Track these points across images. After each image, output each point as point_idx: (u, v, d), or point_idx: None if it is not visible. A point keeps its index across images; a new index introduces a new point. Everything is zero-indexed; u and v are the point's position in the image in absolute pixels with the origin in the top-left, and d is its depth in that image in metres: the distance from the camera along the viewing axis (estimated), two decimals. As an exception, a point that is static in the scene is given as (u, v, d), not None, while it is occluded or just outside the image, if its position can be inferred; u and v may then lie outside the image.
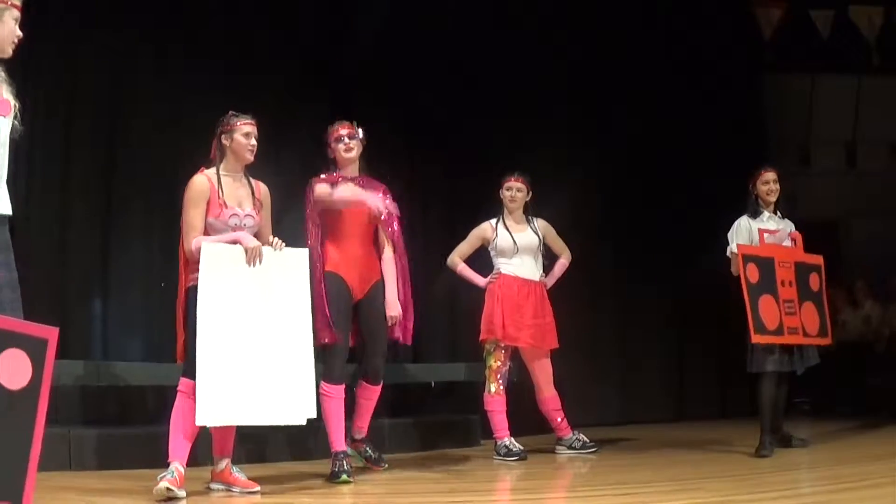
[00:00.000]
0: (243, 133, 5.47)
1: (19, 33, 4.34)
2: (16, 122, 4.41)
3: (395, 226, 6.25)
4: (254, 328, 5.21)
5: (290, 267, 5.43)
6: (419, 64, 9.09)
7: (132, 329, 7.83)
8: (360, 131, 6.19)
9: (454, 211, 8.97)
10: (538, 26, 9.54)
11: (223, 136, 5.49)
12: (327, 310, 5.88)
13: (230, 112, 5.51)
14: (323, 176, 6.14)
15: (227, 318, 5.16)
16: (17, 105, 4.42)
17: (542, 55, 9.56)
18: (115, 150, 7.82)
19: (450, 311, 9.02)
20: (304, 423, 5.37)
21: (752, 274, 6.82)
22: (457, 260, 7.29)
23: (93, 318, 7.72)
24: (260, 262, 5.31)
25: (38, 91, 7.17)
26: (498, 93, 9.30)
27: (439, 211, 9.12)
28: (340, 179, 6.13)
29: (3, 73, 4.38)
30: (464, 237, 7.47)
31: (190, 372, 5.16)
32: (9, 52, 4.34)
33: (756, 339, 6.65)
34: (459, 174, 9.10)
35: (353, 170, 6.18)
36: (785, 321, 6.83)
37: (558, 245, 7.41)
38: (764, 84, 11.24)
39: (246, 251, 5.29)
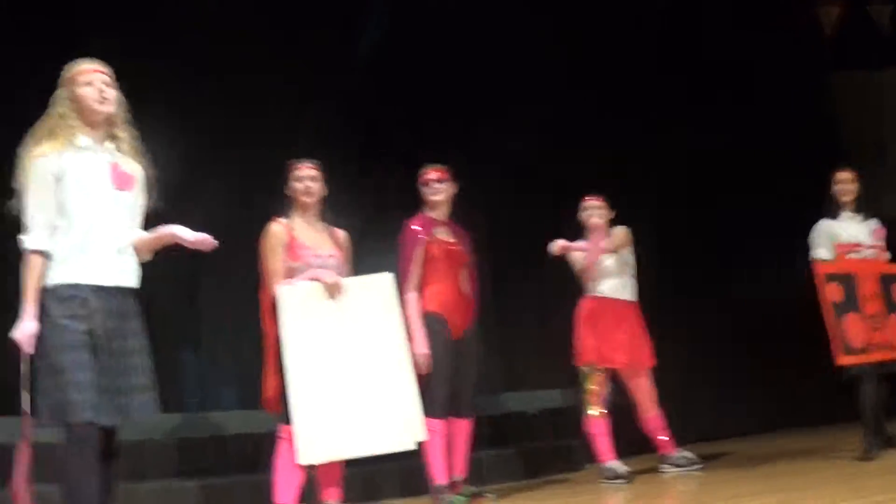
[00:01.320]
0: (297, 179, 5.67)
1: (102, 89, 4.46)
2: (151, 194, 4.59)
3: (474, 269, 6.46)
4: (346, 359, 5.27)
5: (376, 293, 5.47)
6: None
7: (226, 378, 7.98)
8: (448, 177, 6.38)
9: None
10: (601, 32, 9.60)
11: (286, 186, 5.71)
12: (427, 347, 6.04)
13: (288, 163, 5.71)
14: (419, 218, 6.35)
15: (317, 354, 5.23)
16: (146, 175, 4.59)
17: (605, 61, 9.59)
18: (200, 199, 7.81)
19: (540, 337, 8.96)
20: (413, 447, 5.41)
21: (835, 293, 6.83)
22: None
23: (185, 370, 7.89)
24: (342, 293, 5.40)
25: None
26: (551, 108, 9.27)
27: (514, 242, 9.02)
28: (435, 223, 6.35)
29: (128, 145, 4.55)
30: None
31: (287, 417, 5.26)
32: (96, 107, 4.46)
33: (842, 360, 6.68)
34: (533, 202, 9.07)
35: (444, 213, 6.39)
36: (872, 337, 6.83)
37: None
38: (830, 83, 11.24)
39: (325, 285, 5.38)
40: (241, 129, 7.93)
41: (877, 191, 8.75)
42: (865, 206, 7.27)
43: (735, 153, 10.01)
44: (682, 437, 7.57)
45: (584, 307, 7.32)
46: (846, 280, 6.83)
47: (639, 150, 9.49)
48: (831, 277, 6.78)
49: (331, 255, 5.56)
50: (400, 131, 8.70)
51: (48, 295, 4.28)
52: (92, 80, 4.45)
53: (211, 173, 7.82)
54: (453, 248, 6.36)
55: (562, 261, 7.30)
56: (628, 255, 7.37)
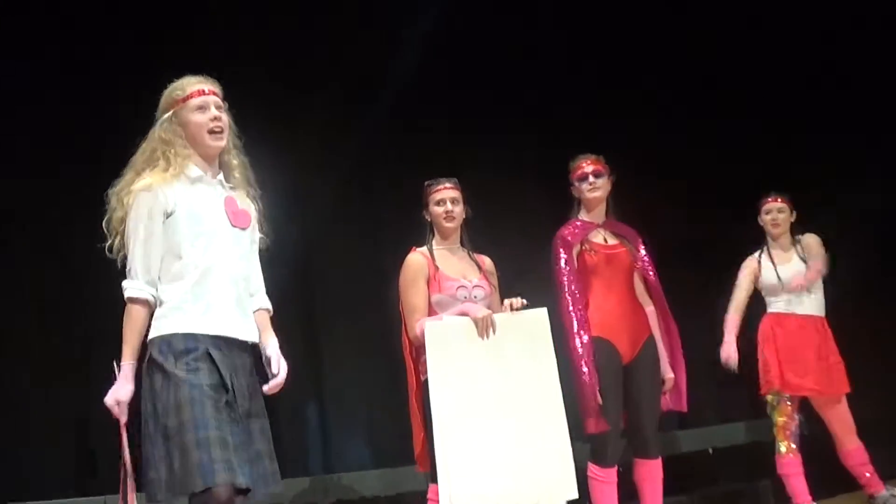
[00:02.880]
0: (436, 202, 5.47)
1: (216, 116, 4.17)
2: (262, 236, 4.35)
3: (653, 274, 5.99)
4: (498, 407, 5.04)
5: (531, 331, 5.21)
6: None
7: (354, 432, 7.75)
8: (607, 168, 5.93)
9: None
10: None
11: (425, 211, 5.52)
12: (597, 391, 5.57)
13: (426, 182, 5.52)
14: (570, 226, 5.92)
15: (466, 401, 5.02)
16: (258, 212, 4.35)
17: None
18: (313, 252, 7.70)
19: (714, 361, 8.18)
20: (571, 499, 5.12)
21: None
22: (731, 316, 6.81)
23: (307, 426, 7.66)
24: (494, 331, 5.12)
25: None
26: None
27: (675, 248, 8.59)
28: (591, 226, 5.91)
29: (239, 176, 4.30)
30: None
31: (435, 474, 4.98)
32: (210, 143, 4.17)
33: None
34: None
35: (601, 214, 5.96)
36: None
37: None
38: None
39: (476, 322, 5.11)
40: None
41: None
42: None
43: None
44: (889, 472, 6.99)
45: (766, 325, 6.80)
46: None
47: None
48: None
49: (477, 286, 5.34)
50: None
51: (158, 347, 3.97)
52: (205, 105, 4.16)
53: (321, 201, 7.64)
54: (614, 257, 5.87)
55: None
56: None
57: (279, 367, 4.24)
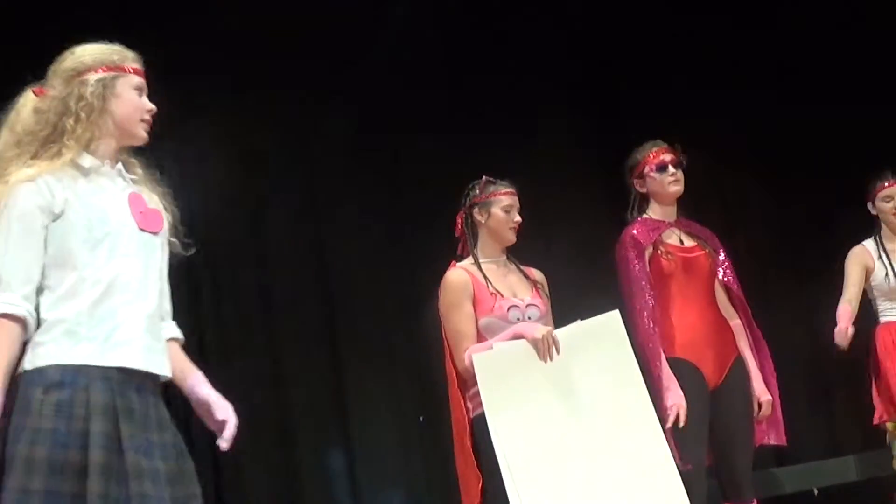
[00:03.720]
0: (503, 206, 5.04)
1: (150, 106, 3.60)
2: (174, 241, 3.67)
3: (734, 282, 5.53)
4: (578, 434, 4.72)
5: (603, 340, 4.87)
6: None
7: (387, 481, 7.24)
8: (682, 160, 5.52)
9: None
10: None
11: (476, 211, 5.05)
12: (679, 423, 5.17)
13: (484, 178, 5.11)
14: (637, 225, 5.43)
15: (537, 438, 4.70)
16: (172, 214, 3.67)
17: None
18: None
19: (816, 386, 8.13)
20: None
21: None
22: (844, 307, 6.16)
23: (333, 473, 7.17)
24: (558, 351, 4.75)
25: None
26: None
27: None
28: (664, 226, 5.47)
29: (142, 171, 3.63)
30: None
31: None
32: (140, 132, 3.57)
33: None
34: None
35: (673, 211, 5.53)
36: None
37: None
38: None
39: (534, 344, 4.75)
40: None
41: None
42: None
43: None
44: None
45: (883, 337, 6.16)
46: None
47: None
48: None
49: (531, 305, 4.99)
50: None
51: (29, 381, 3.23)
52: (142, 88, 3.58)
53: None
54: (693, 262, 5.42)
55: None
56: None
57: (226, 411, 3.54)
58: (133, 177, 3.58)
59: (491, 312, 4.92)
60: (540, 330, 4.79)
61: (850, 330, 5.93)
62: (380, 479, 7.27)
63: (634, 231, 5.39)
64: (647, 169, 5.46)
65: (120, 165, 3.54)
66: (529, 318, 4.95)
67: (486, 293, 4.95)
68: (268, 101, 7.19)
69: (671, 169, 5.41)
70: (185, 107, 6.48)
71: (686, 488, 5.02)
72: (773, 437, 5.51)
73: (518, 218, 5.09)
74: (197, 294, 6.54)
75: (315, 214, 7.39)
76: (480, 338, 4.93)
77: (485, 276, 5.00)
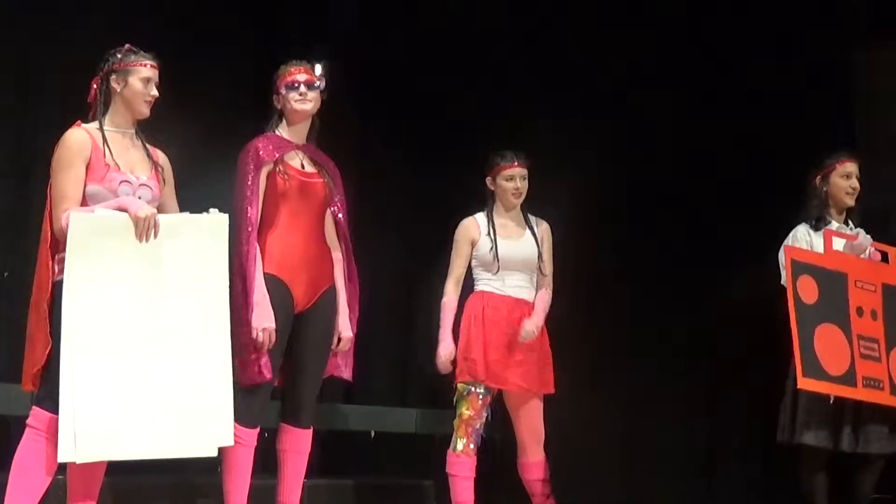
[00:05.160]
0: (142, 77, 4.91)
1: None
2: None
3: (343, 217, 5.63)
4: (147, 327, 4.62)
5: (204, 237, 4.79)
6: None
7: None
8: (322, 80, 5.54)
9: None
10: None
11: (113, 78, 4.91)
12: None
13: (126, 46, 4.93)
14: (266, 136, 5.47)
15: (109, 316, 4.57)
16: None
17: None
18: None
19: (401, 337, 8.38)
20: (214, 453, 4.77)
21: (808, 291, 5.79)
22: (450, 291, 6.35)
23: None
24: (155, 235, 4.66)
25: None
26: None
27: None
28: (287, 145, 5.48)
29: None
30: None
31: (48, 399, 4.52)
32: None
33: (804, 383, 5.70)
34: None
35: (303, 133, 5.57)
36: (859, 366, 5.78)
37: (547, 266, 6.45)
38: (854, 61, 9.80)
39: (135, 221, 4.63)
40: None
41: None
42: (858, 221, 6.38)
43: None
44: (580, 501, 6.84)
45: (475, 304, 6.32)
46: (830, 278, 5.84)
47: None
48: (804, 269, 5.78)
49: (144, 185, 4.84)
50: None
51: None
52: None
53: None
54: (308, 186, 5.47)
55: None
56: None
57: None
58: None
59: (101, 182, 4.79)
60: (144, 209, 4.68)
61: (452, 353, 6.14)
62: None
63: (259, 145, 5.41)
64: (279, 86, 5.49)
65: None
66: (140, 196, 4.83)
67: (101, 161, 4.81)
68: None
69: (302, 88, 5.43)
70: None
71: (253, 400, 5.17)
72: (345, 371, 5.65)
73: (155, 92, 4.95)
74: None
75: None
76: (84, 203, 4.78)
77: (105, 145, 4.85)
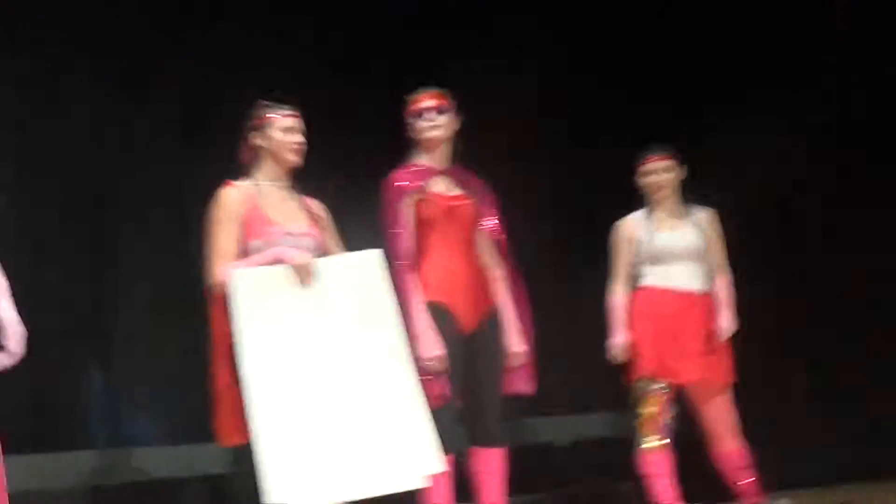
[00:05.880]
0: (283, 128, 5.01)
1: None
2: None
3: (500, 235, 5.65)
4: (328, 369, 4.66)
5: (362, 275, 4.85)
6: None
7: (144, 404, 7.03)
8: (452, 103, 5.57)
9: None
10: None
11: (256, 134, 5.04)
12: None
13: (263, 101, 5.07)
14: (406, 167, 5.53)
15: (286, 366, 4.61)
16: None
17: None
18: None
19: (574, 343, 8.12)
20: (426, 484, 4.76)
21: None
22: (618, 291, 6.40)
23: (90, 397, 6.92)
24: (315, 280, 4.75)
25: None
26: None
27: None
28: (428, 172, 5.51)
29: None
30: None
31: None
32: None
33: None
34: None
35: (443, 158, 5.58)
36: None
37: (716, 255, 6.46)
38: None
39: (294, 268, 4.73)
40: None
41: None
42: None
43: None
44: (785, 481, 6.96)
45: (638, 300, 6.36)
46: None
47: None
48: None
49: (305, 234, 4.97)
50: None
51: None
52: None
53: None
54: (456, 209, 5.49)
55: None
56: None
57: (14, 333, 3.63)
58: None
59: (263, 237, 4.87)
60: (300, 256, 4.77)
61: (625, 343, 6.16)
62: (140, 409, 7.04)
63: (399, 177, 5.45)
64: (408, 115, 5.54)
65: None
66: (303, 247, 4.91)
67: (260, 217, 4.90)
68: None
69: (431, 115, 5.46)
70: None
71: (439, 416, 5.04)
72: (525, 385, 5.62)
73: (300, 139, 5.03)
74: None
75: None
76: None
77: (261, 200, 4.95)
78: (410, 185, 5.40)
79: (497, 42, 8.09)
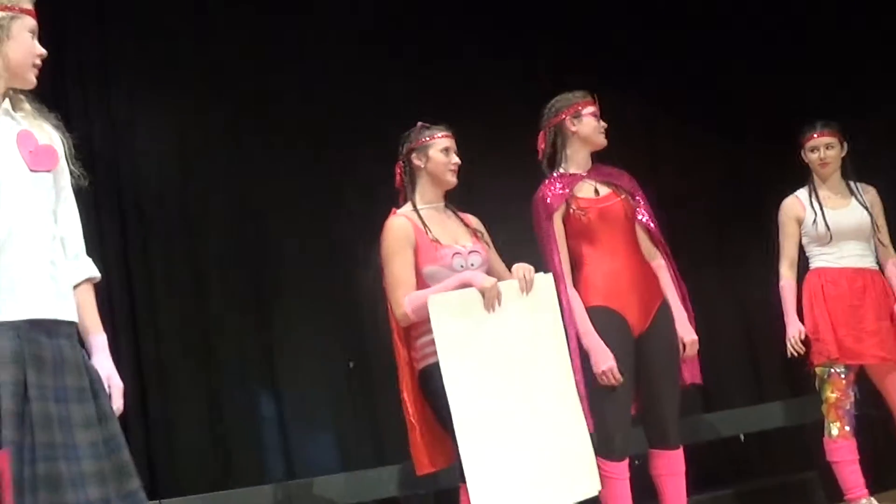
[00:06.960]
0: (441, 149, 5.10)
1: (40, 50, 3.57)
2: (73, 168, 3.59)
3: (653, 224, 5.63)
4: (516, 388, 4.82)
5: (538, 299, 4.98)
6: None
7: (318, 435, 7.04)
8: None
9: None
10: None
11: (414, 156, 5.12)
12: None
13: (419, 124, 5.15)
14: (550, 179, 5.50)
15: (483, 385, 4.75)
16: (67, 146, 3.61)
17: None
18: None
19: (741, 331, 8.21)
20: (594, 492, 4.96)
21: None
22: (787, 274, 6.29)
23: (262, 420, 6.95)
24: (500, 302, 4.84)
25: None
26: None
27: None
28: (573, 179, 5.49)
29: (30, 106, 3.55)
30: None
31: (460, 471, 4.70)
32: (31, 78, 3.53)
33: None
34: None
35: (587, 161, 5.56)
36: None
37: (884, 234, 6.33)
38: None
39: (483, 292, 4.81)
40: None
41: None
42: None
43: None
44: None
45: (809, 285, 6.23)
46: None
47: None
48: None
49: (473, 251, 5.04)
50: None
51: None
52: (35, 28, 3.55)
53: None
54: (610, 209, 5.47)
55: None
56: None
57: (114, 390, 3.51)
58: (21, 113, 3.48)
59: (435, 262, 4.96)
60: (487, 280, 4.84)
61: (802, 333, 6.05)
62: (309, 425, 7.05)
63: (545, 193, 5.44)
64: (561, 119, 5.47)
65: (7, 104, 3.45)
66: (472, 265, 4.99)
67: (427, 241, 4.98)
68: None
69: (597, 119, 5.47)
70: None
71: (611, 434, 5.21)
72: (689, 376, 5.58)
73: (457, 159, 5.11)
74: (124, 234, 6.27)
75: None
76: (423, 286, 4.95)
77: (424, 224, 5.02)
78: (558, 200, 5.39)
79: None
